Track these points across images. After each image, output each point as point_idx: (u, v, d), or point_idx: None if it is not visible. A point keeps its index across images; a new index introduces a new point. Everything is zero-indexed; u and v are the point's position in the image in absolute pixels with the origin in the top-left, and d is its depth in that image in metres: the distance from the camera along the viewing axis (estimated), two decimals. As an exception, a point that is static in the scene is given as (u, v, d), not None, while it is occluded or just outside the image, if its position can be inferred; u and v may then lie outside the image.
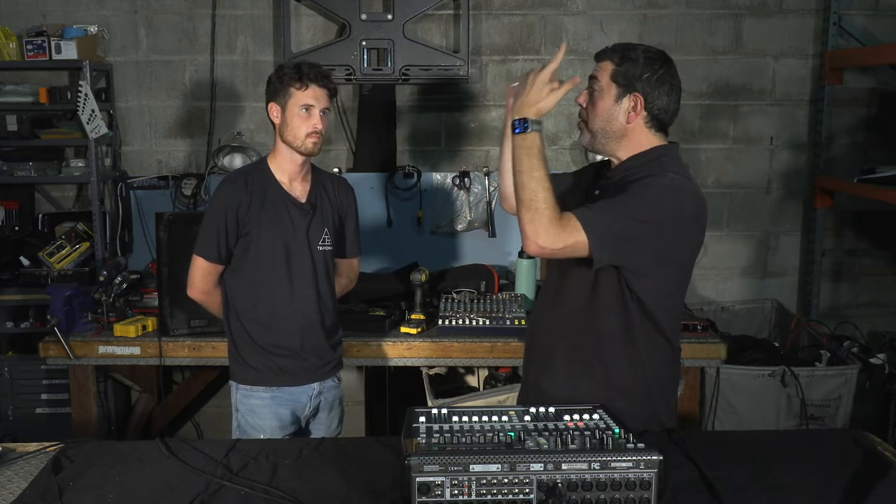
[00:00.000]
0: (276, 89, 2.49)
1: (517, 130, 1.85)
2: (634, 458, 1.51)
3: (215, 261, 2.52)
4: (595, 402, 1.85)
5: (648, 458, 1.51)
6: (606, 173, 2.02)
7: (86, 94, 3.64)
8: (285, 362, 2.56)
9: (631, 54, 1.92)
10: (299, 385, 2.60)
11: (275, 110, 2.50)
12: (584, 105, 1.99)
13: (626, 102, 1.92)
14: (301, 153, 2.50)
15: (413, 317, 3.21)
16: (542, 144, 1.85)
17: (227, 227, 2.48)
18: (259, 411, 2.56)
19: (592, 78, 1.97)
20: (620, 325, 1.94)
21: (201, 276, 2.54)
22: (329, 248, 2.62)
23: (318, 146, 2.51)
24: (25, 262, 3.86)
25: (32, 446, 1.97)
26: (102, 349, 3.14)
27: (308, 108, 2.46)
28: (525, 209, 1.81)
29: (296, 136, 2.47)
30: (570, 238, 1.79)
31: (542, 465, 1.50)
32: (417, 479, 1.49)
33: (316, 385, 2.63)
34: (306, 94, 2.45)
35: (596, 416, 1.74)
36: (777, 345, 3.86)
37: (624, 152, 1.97)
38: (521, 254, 3.49)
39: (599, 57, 1.98)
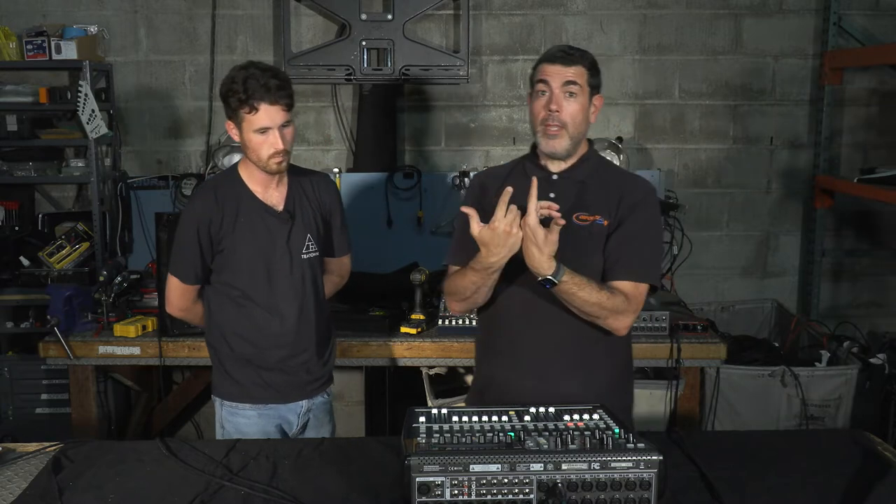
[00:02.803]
0: (228, 110, 2.26)
1: (548, 286, 1.89)
2: (634, 458, 1.51)
3: (191, 282, 2.37)
4: (586, 397, 1.92)
5: (648, 458, 1.51)
6: (551, 177, 2.05)
7: (86, 94, 3.64)
8: (272, 376, 2.40)
9: (591, 57, 2.06)
10: (286, 402, 2.44)
11: (232, 129, 2.28)
12: (560, 112, 1.98)
13: (593, 105, 2.06)
14: (267, 173, 2.32)
15: (413, 317, 3.21)
16: (571, 274, 1.89)
17: (201, 246, 2.32)
18: (247, 430, 2.40)
19: (572, 83, 1.98)
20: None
21: (178, 295, 2.41)
22: (314, 254, 2.44)
23: (285, 163, 2.29)
24: (25, 262, 3.86)
25: (32, 446, 1.97)
26: (102, 349, 3.14)
27: (264, 130, 2.22)
28: (608, 319, 1.96)
29: (258, 158, 2.27)
30: (641, 302, 2.00)
31: (542, 465, 1.50)
32: (417, 479, 1.49)
33: (304, 402, 2.47)
34: (258, 117, 2.20)
35: (596, 416, 1.74)
36: (777, 345, 3.86)
37: (579, 151, 2.07)
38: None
39: (571, 61, 2.00)
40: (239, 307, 2.38)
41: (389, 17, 3.87)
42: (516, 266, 1.93)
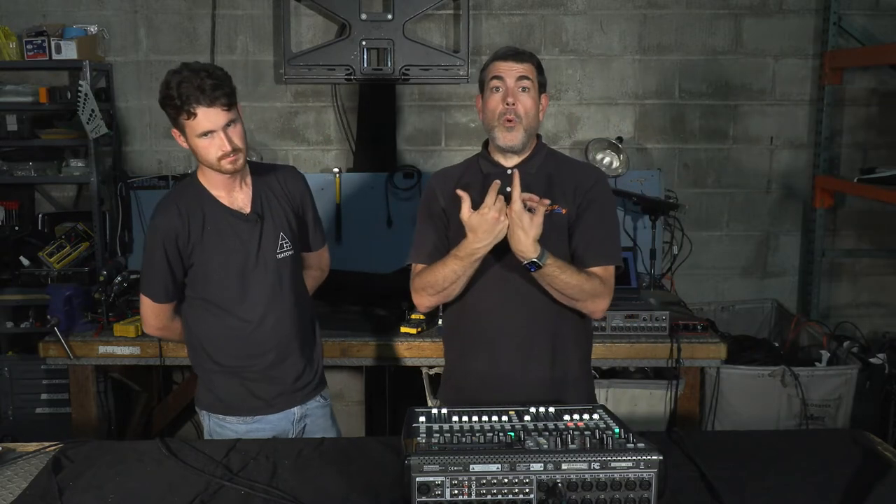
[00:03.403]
0: (169, 119, 2.16)
1: (532, 269, 1.96)
2: (634, 458, 1.51)
3: (162, 300, 2.28)
4: (556, 383, 2.10)
5: (648, 458, 1.51)
6: (505, 171, 2.11)
7: (86, 94, 3.64)
8: (258, 387, 2.31)
9: (537, 57, 2.15)
10: (276, 412, 2.34)
11: (179, 137, 2.18)
12: (516, 105, 2.07)
13: (540, 103, 2.14)
14: (224, 174, 2.20)
15: (413, 317, 3.21)
16: (554, 258, 1.97)
17: (170, 263, 2.23)
18: None
19: (525, 78, 2.08)
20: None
21: (153, 315, 2.33)
22: (290, 252, 2.33)
23: (239, 162, 2.17)
24: (25, 262, 3.86)
25: (32, 446, 1.97)
26: (102, 349, 3.14)
27: (207, 133, 2.11)
28: (587, 302, 2.05)
29: (210, 163, 2.16)
30: (613, 284, 2.10)
31: (542, 465, 1.51)
32: (417, 479, 1.49)
33: (296, 409, 2.37)
34: (198, 122, 2.09)
35: (596, 416, 1.75)
36: (777, 345, 3.86)
37: (531, 144, 2.15)
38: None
39: (522, 59, 2.10)
40: (216, 318, 2.29)
41: (389, 16, 3.87)
42: (487, 260, 2.04)
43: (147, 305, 2.32)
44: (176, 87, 2.07)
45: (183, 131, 2.14)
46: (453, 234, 2.12)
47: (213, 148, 2.13)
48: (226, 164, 2.15)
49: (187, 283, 2.30)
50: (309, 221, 2.45)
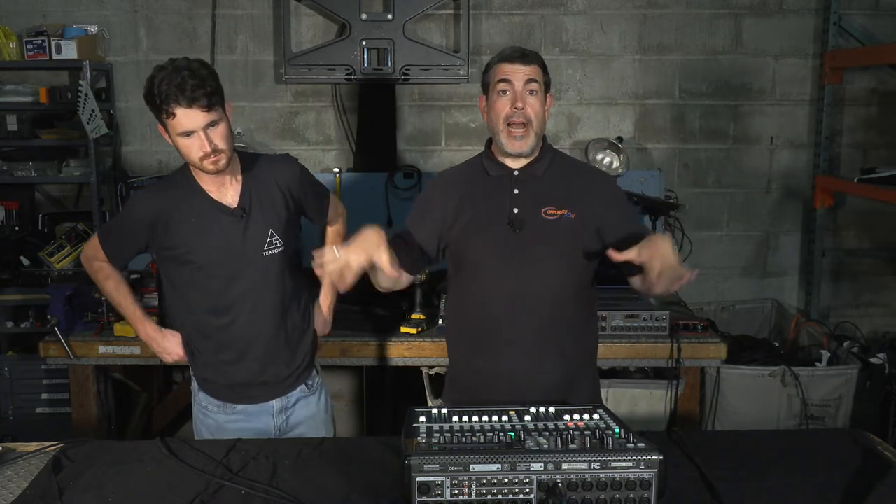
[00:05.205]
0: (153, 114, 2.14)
1: None
2: (634, 458, 1.51)
3: (108, 253, 2.33)
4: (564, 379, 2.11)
5: (648, 458, 1.51)
6: (512, 173, 2.10)
7: (86, 94, 3.64)
8: (235, 377, 2.32)
9: (541, 57, 2.11)
10: (256, 403, 2.34)
11: (164, 133, 2.15)
12: (525, 109, 2.03)
13: (546, 102, 2.10)
14: (206, 173, 2.18)
15: (413, 317, 3.21)
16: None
17: (129, 234, 2.27)
18: (219, 434, 2.32)
19: (532, 81, 2.04)
20: (591, 299, 2.20)
21: (93, 248, 2.36)
22: (279, 249, 2.28)
23: (222, 162, 2.12)
24: (25, 261, 3.86)
25: (32, 446, 1.97)
26: (102, 349, 3.14)
27: (187, 134, 2.07)
28: None
29: (192, 162, 2.15)
30: None
31: (542, 465, 1.51)
32: (417, 479, 1.49)
33: (276, 402, 2.36)
34: (178, 121, 2.05)
35: (596, 416, 1.75)
36: (777, 345, 3.86)
37: (538, 145, 2.11)
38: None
39: (529, 60, 2.05)
40: (200, 307, 2.29)
41: (389, 16, 3.88)
42: (497, 261, 2.05)
43: (94, 241, 2.38)
44: (158, 84, 2.04)
45: (166, 129, 2.12)
46: (455, 236, 2.13)
47: (194, 148, 2.09)
48: (207, 165, 2.12)
49: (177, 268, 2.29)
50: (311, 205, 2.41)
